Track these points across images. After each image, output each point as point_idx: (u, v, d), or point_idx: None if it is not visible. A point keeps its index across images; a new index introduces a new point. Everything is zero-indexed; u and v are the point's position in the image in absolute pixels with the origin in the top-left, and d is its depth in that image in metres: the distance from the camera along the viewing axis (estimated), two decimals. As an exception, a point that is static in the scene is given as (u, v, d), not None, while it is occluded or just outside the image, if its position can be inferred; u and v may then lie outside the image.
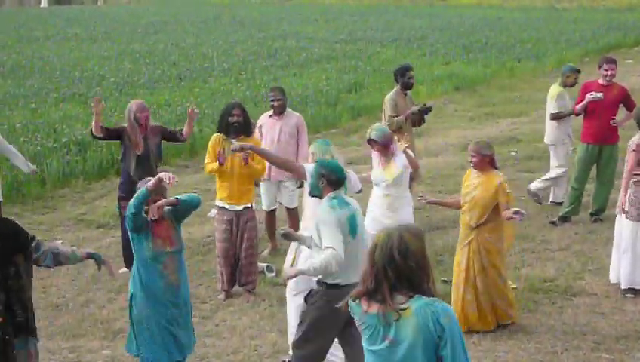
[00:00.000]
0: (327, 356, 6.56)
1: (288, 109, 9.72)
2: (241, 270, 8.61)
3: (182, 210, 6.40)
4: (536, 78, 23.16)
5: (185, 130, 9.31)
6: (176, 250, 6.37)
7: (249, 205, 8.55)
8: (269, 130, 9.54)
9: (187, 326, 6.51)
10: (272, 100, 9.57)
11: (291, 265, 7.01)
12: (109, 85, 19.96)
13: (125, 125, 9.05)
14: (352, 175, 7.22)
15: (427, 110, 10.63)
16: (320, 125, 17.12)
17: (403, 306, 3.86)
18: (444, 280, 8.81)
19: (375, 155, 8.36)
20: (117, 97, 18.35)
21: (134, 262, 6.34)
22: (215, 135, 8.75)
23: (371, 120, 16.33)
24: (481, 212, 7.45)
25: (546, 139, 11.56)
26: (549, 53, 26.49)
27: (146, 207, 6.21)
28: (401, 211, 8.27)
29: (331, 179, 6.04)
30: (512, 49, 27.06)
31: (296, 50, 26.67)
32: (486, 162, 7.46)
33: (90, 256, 5.94)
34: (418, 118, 10.73)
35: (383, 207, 8.21)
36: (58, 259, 5.74)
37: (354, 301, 4.02)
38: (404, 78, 10.53)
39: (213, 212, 11.31)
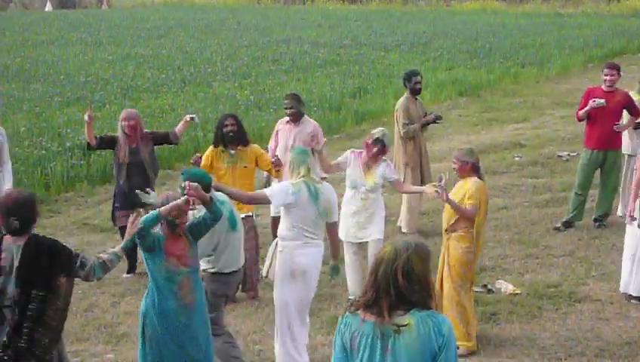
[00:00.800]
0: (295, 356, 6.91)
1: (306, 117, 9.64)
2: (243, 278, 8.61)
3: (203, 225, 6.10)
4: (541, 84, 23.15)
5: (178, 127, 9.22)
6: (192, 270, 6.10)
7: (250, 214, 8.54)
8: (283, 136, 9.52)
9: (200, 350, 6.17)
10: (285, 108, 9.55)
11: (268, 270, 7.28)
12: (113, 89, 19.98)
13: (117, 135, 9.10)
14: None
15: (439, 118, 10.87)
16: (324, 130, 16.99)
17: (403, 321, 3.87)
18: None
19: (356, 156, 8.38)
20: (121, 101, 18.37)
21: (149, 280, 6.10)
22: (210, 149, 8.60)
23: (375, 125, 16.30)
24: (448, 217, 7.41)
25: (624, 150, 10.90)
26: (553, 58, 26.47)
27: (174, 212, 5.90)
28: (376, 215, 8.36)
29: (203, 186, 6.11)
30: (516, 54, 27.06)
31: (299, 55, 26.69)
32: (467, 169, 7.40)
33: (124, 250, 5.87)
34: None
35: (358, 211, 8.31)
36: (106, 267, 5.61)
37: (352, 313, 3.99)
38: (410, 83, 10.61)
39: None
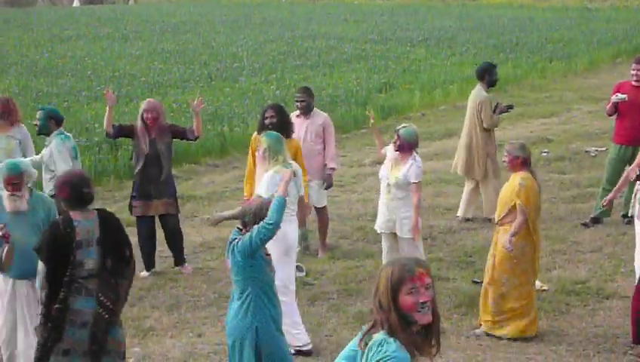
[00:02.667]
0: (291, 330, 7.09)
1: (316, 109, 9.74)
2: None
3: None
4: (568, 79, 22.98)
5: (194, 126, 9.22)
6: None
7: None
8: (295, 130, 9.57)
9: None
10: (297, 101, 9.63)
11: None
12: (139, 84, 20.07)
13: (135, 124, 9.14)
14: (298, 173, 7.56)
15: (511, 107, 11.43)
16: (350, 125, 17.11)
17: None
18: (475, 281, 8.78)
19: (390, 151, 8.38)
20: (148, 96, 18.34)
21: (250, 292, 5.91)
22: (254, 134, 8.84)
23: (400, 120, 16.31)
24: (500, 209, 7.55)
25: None
26: (580, 53, 26.26)
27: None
28: (402, 211, 8.27)
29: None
30: (544, 49, 26.86)
31: (325, 50, 26.66)
32: (518, 163, 7.50)
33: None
34: None
35: (387, 203, 8.38)
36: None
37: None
38: (491, 76, 10.90)
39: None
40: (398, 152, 8.27)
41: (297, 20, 37.13)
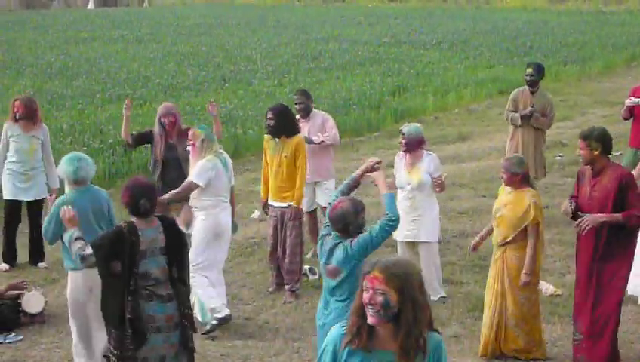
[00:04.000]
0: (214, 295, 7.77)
1: (315, 110, 9.73)
2: (284, 268, 8.71)
3: None
4: (582, 82, 22.92)
5: (214, 129, 9.12)
6: None
7: (293, 204, 8.61)
8: None
9: None
10: (295, 104, 9.63)
11: None
12: (153, 86, 20.13)
13: (154, 128, 9.11)
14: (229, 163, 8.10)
15: (533, 112, 11.20)
16: (363, 128, 17.11)
17: None
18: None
19: (401, 157, 8.37)
20: (162, 99, 18.44)
21: (355, 291, 5.87)
22: (265, 136, 8.97)
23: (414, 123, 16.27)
24: (507, 232, 7.16)
25: None
26: (595, 57, 26.19)
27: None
28: (425, 216, 8.28)
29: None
30: (558, 53, 26.80)
31: (339, 53, 26.68)
32: (517, 180, 7.16)
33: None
34: None
35: (407, 211, 8.20)
36: None
37: None
38: (524, 74, 11.30)
39: (256, 213, 11.40)
40: (407, 153, 8.24)
41: (311, 23, 37.17)
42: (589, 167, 6.94)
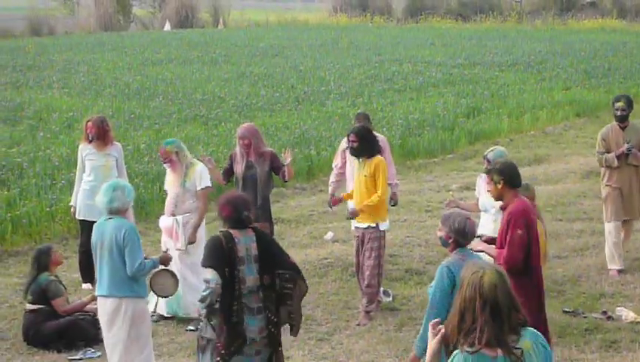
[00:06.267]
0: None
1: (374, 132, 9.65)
2: (361, 289, 8.70)
3: None
4: (663, 105, 22.39)
5: (286, 171, 9.13)
6: None
7: (372, 225, 8.60)
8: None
9: None
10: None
11: None
12: (228, 107, 20.35)
13: (235, 150, 9.24)
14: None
15: (629, 149, 9.73)
16: (437, 150, 17.01)
17: (523, 345, 3.89)
18: (566, 311, 8.61)
19: (482, 180, 8.28)
20: (236, 119, 18.67)
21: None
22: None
23: (488, 145, 16.10)
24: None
25: None
26: (675, 78, 25.60)
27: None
28: None
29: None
30: (637, 74, 26.27)
31: (412, 74, 26.62)
32: None
33: None
34: None
35: (493, 233, 8.04)
36: None
37: (474, 353, 3.85)
38: (613, 108, 10.09)
39: (330, 234, 11.42)
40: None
41: (384, 44, 37.19)
42: None
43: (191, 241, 8.66)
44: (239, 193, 6.49)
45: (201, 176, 8.73)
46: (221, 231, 6.12)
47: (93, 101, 21.31)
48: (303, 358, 7.76)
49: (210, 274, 5.98)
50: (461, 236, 5.77)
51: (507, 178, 6.45)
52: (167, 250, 7.84)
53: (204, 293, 5.94)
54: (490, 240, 6.70)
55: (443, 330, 3.96)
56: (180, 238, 8.70)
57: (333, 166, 9.92)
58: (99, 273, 6.90)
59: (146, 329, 6.96)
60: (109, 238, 6.71)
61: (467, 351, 3.86)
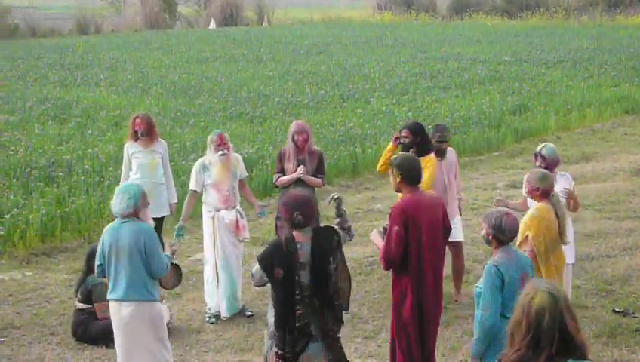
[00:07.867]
0: None
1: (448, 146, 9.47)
2: None
3: None
4: None
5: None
6: None
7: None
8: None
9: None
10: (439, 141, 9.32)
11: None
12: (273, 105, 20.42)
13: (284, 147, 9.21)
14: None
15: None
16: (483, 147, 16.90)
17: None
18: (616, 311, 8.50)
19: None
20: (281, 117, 18.74)
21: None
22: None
23: (535, 143, 15.94)
24: (519, 237, 6.89)
25: None
26: None
27: None
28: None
29: None
30: (687, 71, 25.86)
31: (458, 72, 26.46)
32: (537, 194, 7.04)
33: None
34: None
35: None
36: None
37: None
38: None
39: (374, 232, 11.36)
40: None
41: (429, 42, 37.02)
42: None
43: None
44: (297, 192, 6.27)
45: (242, 164, 9.15)
46: (286, 236, 6.00)
47: (139, 99, 21.51)
48: (350, 356, 7.73)
49: (255, 270, 6.00)
50: (500, 232, 5.73)
51: (404, 173, 6.56)
52: (173, 244, 7.59)
53: (253, 271, 6.05)
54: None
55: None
56: (245, 229, 8.90)
57: None
58: (113, 277, 6.68)
59: (165, 331, 6.93)
60: (128, 242, 6.58)
61: None
